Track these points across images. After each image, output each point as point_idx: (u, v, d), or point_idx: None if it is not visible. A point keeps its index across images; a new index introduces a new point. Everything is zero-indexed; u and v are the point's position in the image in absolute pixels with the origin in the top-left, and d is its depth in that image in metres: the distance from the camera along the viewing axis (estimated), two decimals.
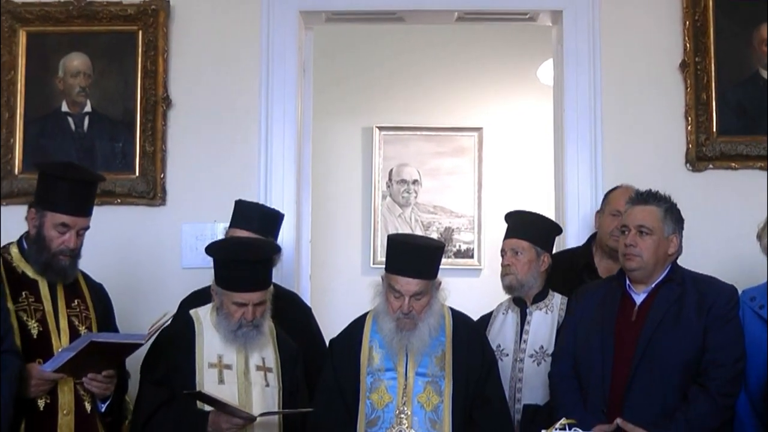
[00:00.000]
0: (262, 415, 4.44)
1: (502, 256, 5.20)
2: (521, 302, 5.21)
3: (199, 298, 5.06)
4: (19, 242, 4.62)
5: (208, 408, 4.48)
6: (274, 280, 4.93)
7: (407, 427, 4.60)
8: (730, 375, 4.55)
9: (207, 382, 4.58)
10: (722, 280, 4.84)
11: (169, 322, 4.59)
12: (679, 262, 4.88)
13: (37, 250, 4.51)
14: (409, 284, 4.61)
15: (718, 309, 4.62)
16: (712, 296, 4.66)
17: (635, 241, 4.65)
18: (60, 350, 4.40)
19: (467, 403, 4.66)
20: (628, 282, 4.78)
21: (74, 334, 4.51)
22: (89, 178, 4.77)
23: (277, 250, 5.06)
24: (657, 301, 4.67)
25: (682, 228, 4.81)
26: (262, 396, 4.65)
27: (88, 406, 4.52)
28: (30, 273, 4.54)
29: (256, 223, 5.29)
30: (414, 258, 4.66)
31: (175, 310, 4.78)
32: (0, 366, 4.14)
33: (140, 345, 4.46)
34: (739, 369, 4.59)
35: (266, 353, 4.74)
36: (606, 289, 4.85)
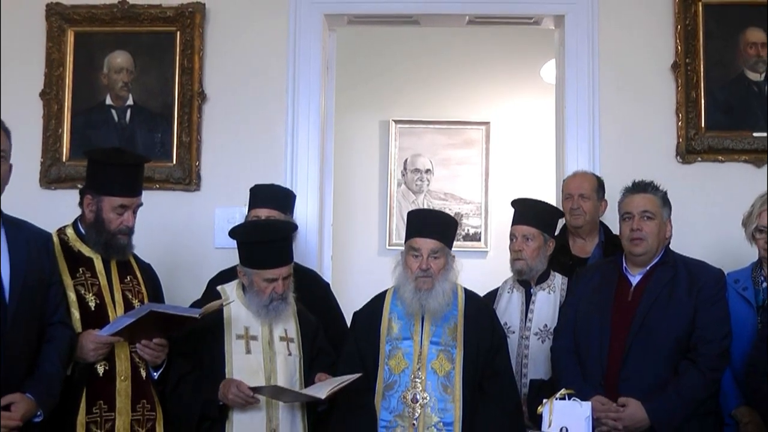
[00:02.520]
0: (327, 395, 4.44)
1: (512, 240, 5.20)
2: (525, 282, 5.22)
3: (225, 276, 5.11)
4: (74, 224, 4.66)
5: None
6: (296, 260, 4.97)
7: (421, 391, 4.63)
8: (718, 351, 4.56)
9: (235, 352, 4.65)
10: (708, 263, 4.86)
11: (222, 307, 4.65)
12: (671, 244, 4.91)
13: (97, 233, 4.56)
14: (427, 243, 4.69)
15: (707, 290, 4.65)
16: (702, 279, 4.69)
17: (641, 226, 4.68)
18: (119, 317, 4.44)
19: (477, 372, 4.70)
20: (624, 265, 4.80)
21: (128, 307, 4.56)
22: (137, 161, 4.82)
23: (294, 228, 5.08)
24: (651, 282, 4.69)
25: (671, 214, 4.85)
26: (285, 364, 4.70)
27: (143, 373, 4.57)
28: (85, 251, 4.59)
29: (274, 201, 5.32)
30: (431, 222, 4.79)
31: (226, 298, 4.79)
32: (54, 335, 4.19)
33: (195, 319, 4.45)
34: (725, 346, 4.61)
35: (288, 325, 4.79)
36: (604, 271, 4.88)
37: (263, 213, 5.24)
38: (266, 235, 4.76)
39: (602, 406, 4.46)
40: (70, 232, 4.62)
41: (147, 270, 4.86)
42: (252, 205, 5.36)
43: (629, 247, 4.74)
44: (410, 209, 5.51)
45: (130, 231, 4.62)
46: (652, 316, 4.59)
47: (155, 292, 4.84)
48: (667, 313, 4.59)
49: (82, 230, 4.61)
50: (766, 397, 4.46)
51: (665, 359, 4.56)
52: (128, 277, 4.68)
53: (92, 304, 4.49)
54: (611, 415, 4.46)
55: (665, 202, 4.81)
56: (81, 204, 4.63)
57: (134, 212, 4.63)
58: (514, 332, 5.10)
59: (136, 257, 4.80)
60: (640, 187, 4.81)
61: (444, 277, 4.72)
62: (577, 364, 4.69)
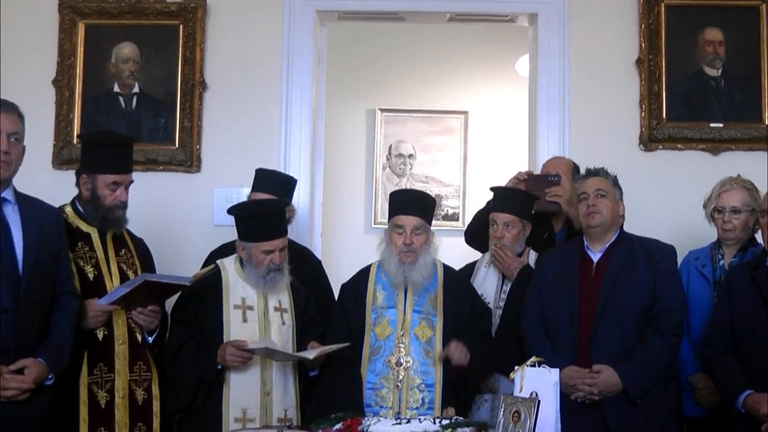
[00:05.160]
0: (316, 357, 4.51)
1: (492, 226, 5.15)
2: None
3: (228, 249, 5.10)
4: (72, 203, 4.66)
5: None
6: (290, 237, 4.96)
7: (405, 355, 4.70)
8: (677, 319, 4.61)
9: (233, 320, 4.66)
10: (668, 242, 4.86)
11: (210, 273, 4.68)
12: (635, 225, 4.98)
13: (94, 208, 4.56)
14: (410, 220, 4.75)
15: (664, 264, 4.68)
16: (658, 254, 4.71)
17: (596, 202, 4.70)
18: (116, 288, 4.46)
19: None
20: (586, 243, 4.80)
21: (123, 277, 4.58)
22: (126, 141, 4.84)
23: (287, 204, 5.07)
24: (612, 259, 4.71)
25: (622, 196, 4.87)
26: (279, 333, 4.71)
27: (139, 337, 4.60)
28: (83, 227, 4.58)
29: (274, 186, 5.30)
30: (413, 201, 4.85)
31: (213, 264, 4.84)
32: (63, 305, 4.19)
33: (186, 286, 4.55)
34: (683, 314, 4.67)
35: (282, 296, 4.80)
36: (566, 251, 4.88)
37: (263, 197, 5.22)
38: (262, 209, 4.78)
39: (577, 373, 4.50)
40: (68, 210, 4.62)
41: (140, 243, 4.86)
42: (254, 188, 5.35)
43: (586, 221, 4.74)
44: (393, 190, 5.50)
45: (124, 205, 4.62)
46: (615, 290, 4.60)
47: (147, 263, 4.84)
48: (629, 286, 4.61)
49: (80, 208, 4.62)
50: (720, 367, 4.54)
51: (630, 329, 4.58)
52: (123, 250, 4.68)
53: (90, 276, 4.51)
54: (587, 381, 4.48)
55: (616, 184, 4.83)
56: (77, 184, 4.64)
57: (126, 188, 4.63)
58: (489, 303, 5.08)
59: (129, 232, 4.80)
60: (592, 172, 4.87)
61: (426, 251, 4.76)
62: (546, 338, 4.69)
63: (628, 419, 4.53)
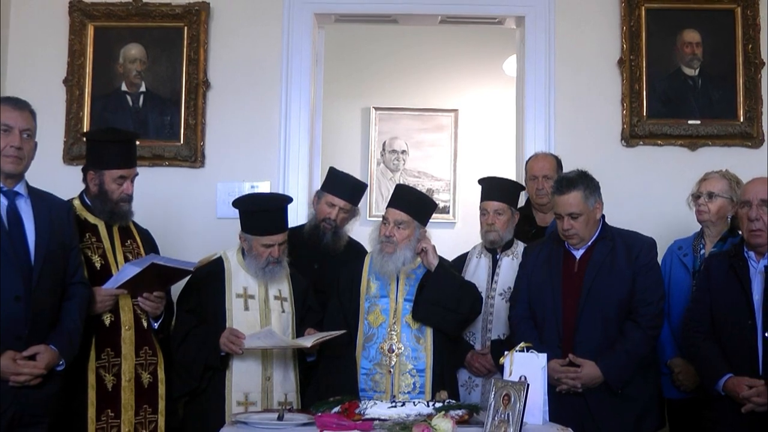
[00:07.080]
0: (313, 344, 4.48)
1: (484, 214, 5.13)
2: (492, 249, 5.17)
3: None
4: (80, 196, 4.62)
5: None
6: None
7: (396, 342, 4.69)
8: (655, 311, 4.57)
9: (235, 308, 4.65)
10: (647, 233, 4.82)
11: (213, 261, 4.70)
12: (616, 218, 4.92)
13: (102, 203, 4.53)
14: (394, 213, 4.73)
15: (643, 258, 4.63)
16: (637, 248, 4.65)
17: (571, 225, 4.57)
18: (124, 265, 4.43)
19: None
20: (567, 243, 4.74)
21: None
22: (130, 137, 4.79)
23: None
24: (594, 256, 4.64)
25: (599, 190, 4.67)
26: (279, 320, 4.70)
27: (144, 323, 4.56)
28: (91, 219, 4.55)
29: (348, 192, 5.29)
30: (404, 197, 4.81)
31: (218, 251, 4.85)
32: (74, 294, 4.17)
33: (191, 272, 4.55)
34: (661, 306, 4.62)
35: (282, 286, 4.78)
36: (549, 248, 4.80)
37: (334, 200, 5.24)
38: (264, 205, 4.75)
39: (561, 367, 4.49)
40: (77, 202, 4.59)
41: (145, 234, 4.82)
42: (326, 189, 5.31)
43: (565, 238, 4.66)
44: (387, 185, 5.48)
45: (130, 198, 4.59)
46: (597, 285, 4.56)
47: (152, 253, 4.78)
48: (609, 280, 4.57)
49: (88, 201, 4.58)
50: (700, 351, 4.51)
51: (611, 321, 4.55)
52: (128, 241, 4.65)
53: (98, 265, 4.47)
54: (570, 375, 4.47)
55: (588, 191, 4.59)
56: (85, 180, 4.61)
57: (132, 181, 4.60)
58: (481, 292, 5.06)
59: (135, 224, 4.77)
60: (562, 188, 4.61)
61: (406, 246, 4.71)
62: (534, 329, 4.66)
63: (609, 406, 4.52)
